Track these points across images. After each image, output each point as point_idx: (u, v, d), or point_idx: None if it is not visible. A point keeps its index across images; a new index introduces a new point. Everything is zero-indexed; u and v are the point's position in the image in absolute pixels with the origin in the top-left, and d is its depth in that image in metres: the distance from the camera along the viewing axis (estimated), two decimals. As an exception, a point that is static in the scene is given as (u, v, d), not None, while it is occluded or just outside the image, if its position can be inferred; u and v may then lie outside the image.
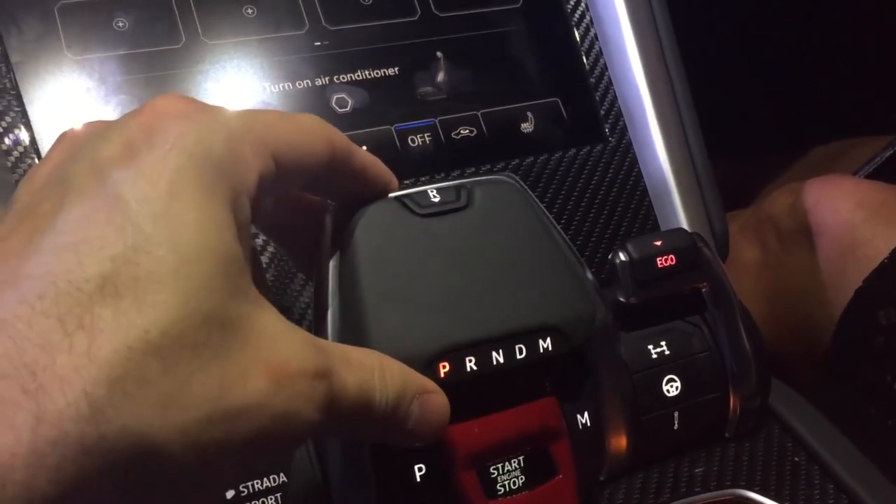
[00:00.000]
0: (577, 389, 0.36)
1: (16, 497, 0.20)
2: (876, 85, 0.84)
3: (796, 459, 0.41)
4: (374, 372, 0.28)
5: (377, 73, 0.43)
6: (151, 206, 0.23)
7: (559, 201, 0.44)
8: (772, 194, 0.59)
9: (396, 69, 0.43)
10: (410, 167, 0.42)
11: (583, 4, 0.48)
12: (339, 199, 0.33)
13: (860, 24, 0.85)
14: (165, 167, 0.24)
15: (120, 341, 0.21)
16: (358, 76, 0.43)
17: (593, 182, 0.45)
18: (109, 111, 0.39)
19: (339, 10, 0.43)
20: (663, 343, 0.39)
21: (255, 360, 0.24)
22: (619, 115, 0.46)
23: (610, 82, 0.47)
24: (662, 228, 0.45)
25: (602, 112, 0.46)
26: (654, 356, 0.39)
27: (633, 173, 0.46)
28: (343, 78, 0.43)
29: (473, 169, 0.43)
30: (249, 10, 0.42)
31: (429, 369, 0.31)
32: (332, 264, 0.33)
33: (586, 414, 0.36)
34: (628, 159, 0.46)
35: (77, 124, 0.37)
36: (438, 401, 0.30)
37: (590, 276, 0.35)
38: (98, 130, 0.26)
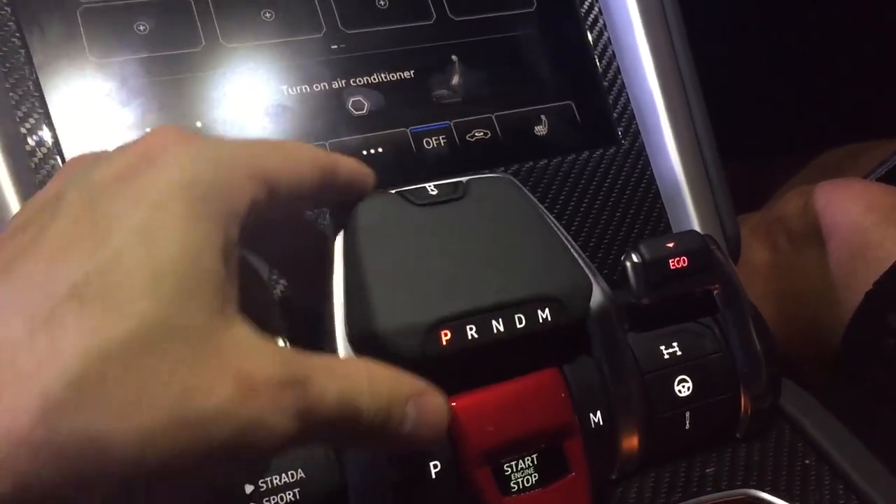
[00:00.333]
0: (589, 388, 0.36)
1: None
2: (876, 84, 0.84)
3: (807, 461, 0.41)
4: (360, 379, 0.28)
5: (393, 76, 0.44)
6: (131, 222, 0.24)
7: (572, 204, 0.44)
8: (783, 196, 0.60)
9: (412, 72, 0.44)
10: (425, 169, 0.43)
11: (596, 8, 0.48)
12: (331, 206, 0.34)
13: (860, 23, 0.85)
14: (153, 187, 0.25)
15: (82, 344, 0.22)
16: (374, 79, 0.43)
17: (606, 185, 0.45)
18: (130, 114, 0.39)
19: (355, 14, 0.44)
20: (675, 344, 0.40)
21: (222, 370, 0.24)
22: (632, 117, 0.47)
23: (623, 85, 0.47)
24: (674, 231, 0.46)
25: (615, 115, 0.47)
26: (666, 357, 0.39)
27: (646, 176, 0.46)
28: (359, 81, 0.43)
29: (487, 171, 0.43)
30: (268, 14, 0.43)
31: (430, 337, 0.32)
32: (336, 252, 0.35)
33: (599, 413, 0.36)
34: (641, 162, 0.46)
35: (99, 126, 0.38)
36: (435, 401, 0.30)
37: (587, 262, 0.37)
38: (96, 158, 0.27)
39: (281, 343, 0.33)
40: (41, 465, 0.21)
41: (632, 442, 0.37)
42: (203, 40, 0.41)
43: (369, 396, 0.27)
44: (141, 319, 0.23)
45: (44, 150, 0.38)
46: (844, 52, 0.87)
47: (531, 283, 0.35)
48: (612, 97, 0.47)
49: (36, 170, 0.37)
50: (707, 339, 0.40)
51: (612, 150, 0.46)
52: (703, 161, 0.47)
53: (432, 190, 0.36)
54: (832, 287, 0.50)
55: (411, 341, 0.33)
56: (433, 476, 0.33)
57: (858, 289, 0.47)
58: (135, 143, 0.27)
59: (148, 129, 0.39)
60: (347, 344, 0.34)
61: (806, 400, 0.44)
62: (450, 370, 0.34)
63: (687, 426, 0.39)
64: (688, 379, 0.39)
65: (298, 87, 0.42)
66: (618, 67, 0.47)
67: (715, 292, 0.41)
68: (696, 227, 0.45)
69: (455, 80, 0.45)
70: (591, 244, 0.44)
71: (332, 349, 0.34)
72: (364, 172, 0.34)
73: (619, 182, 0.45)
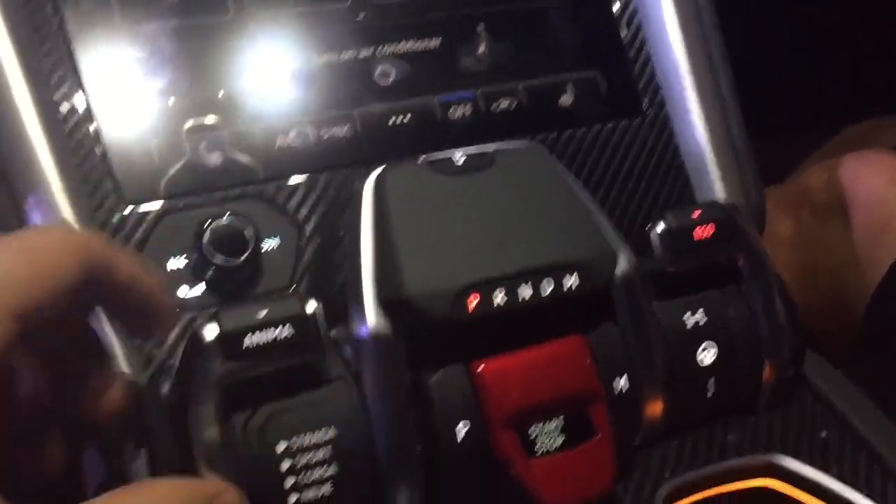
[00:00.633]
0: (614, 354, 0.37)
1: None
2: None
3: (829, 429, 0.41)
4: None
5: (419, 46, 0.44)
6: None
7: (596, 174, 0.45)
8: (806, 170, 0.60)
9: (438, 41, 0.44)
10: (450, 138, 0.43)
11: (622, -23, 0.48)
12: (109, 310, 0.31)
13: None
14: None
15: None
16: (400, 49, 0.43)
17: (630, 155, 0.45)
18: (159, 80, 0.40)
19: (382, -17, 0.44)
20: (700, 312, 0.40)
21: None
22: (658, 88, 0.47)
23: (649, 55, 0.47)
24: (699, 202, 0.46)
25: (640, 85, 0.47)
26: (691, 325, 0.40)
27: (671, 146, 0.46)
28: (386, 50, 0.43)
29: (513, 141, 0.43)
30: (295, -17, 0.43)
31: (458, 301, 0.33)
32: (365, 219, 0.35)
33: (623, 379, 0.36)
34: (666, 132, 0.46)
35: (129, 92, 0.39)
36: (232, 499, 0.29)
37: (613, 230, 0.37)
38: None
39: None
40: None
41: (655, 408, 0.38)
42: (231, 9, 0.42)
43: None
44: None
45: (76, 116, 0.38)
46: (867, 27, 0.86)
47: (558, 249, 0.35)
48: (637, 67, 0.47)
49: (69, 135, 0.38)
50: (732, 307, 0.41)
51: (637, 121, 0.46)
52: (729, 131, 0.47)
53: (460, 159, 0.37)
54: (856, 260, 0.50)
55: (440, 306, 0.34)
56: (460, 438, 0.34)
57: (882, 261, 0.47)
58: None
59: (172, 99, 0.39)
60: (376, 309, 0.34)
61: (829, 370, 0.44)
62: (477, 335, 0.35)
63: (710, 394, 0.40)
64: (712, 347, 0.40)
65: (324, 57, 0.42)
66: (644, 37, 0.47)
67: (740, 261, 0.41)
68: (721, 197, 0.45)
69: (481, 49, 0.45)
70: (615, 214, 0.44)
71: (360, 314, 0.34)
72: (156, 284, 0.31)
73: (644, 152, 0.46)
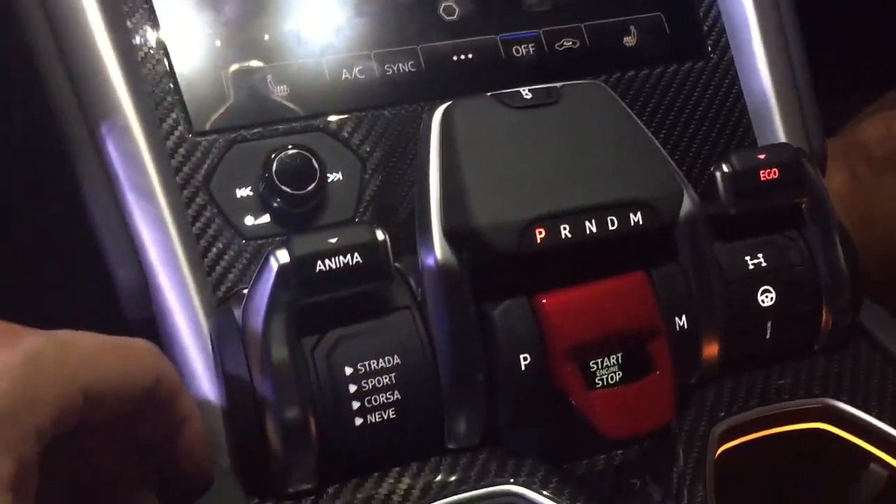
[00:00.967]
0: (675, 292, 0.37)
1: None
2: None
3: (884, 375, 0.41)
4: None
5: (485, -18, 0.44)
6: None
7: (658, 116, 0.44)
8: (862, 122, 0.59)
9: (503, -22, 0.44)
10: (513, 77, 0.43)
11: (689, -83, 0.47)
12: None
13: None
14: None
15: None
16: (465, -17, 0.43)
17: (693, 98, 0.45)
18: (230, 14, 0.40)
19: (448, -81, 0.44)
20: (760, 255, 0.40)
21: None
22: (722, 30, 0.46)
23: (714, -1, 0.46)
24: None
25: (705, 28, 0.46)
26: (751, 267, 0.40)
27: (734, 90, 0.46)
28: (450, -14, 0.43)
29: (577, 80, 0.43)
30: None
31: (525, 234, 0.33)
32: (433, 151, 0.36)
33: (684, 317, 0.37)
34: (729, 76, 0.46)
35: (202, 31, 0.39)
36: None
37: (677, 171, 0.37)
38: None
39: None
40: None
41: (713, 347, 0.38)
42: (298, -58, 0.42)
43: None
44: None
45: (148, 47, 0.39)
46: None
47: (624, 186, 0.36)
48: (702, 9, 0.46)
49: (142, 64, 0.38)
50: (792, 251, 0.41)
51: (700, 64, 0.46)
52: (794, 77, 0.46)
53: (527, 94, 0.37)
54: (914, 211, 0.49)
55: (507, 237, 0.34)
56: (522, 368, 0.35)
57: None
58: None
59: (242, 33, 0.39)
60: (443, 240, 0.35)
61: (886, 318, 0.44)
62: (541, 268, 0.35)
63: (767, 335, 0.40)
64: (771, 290, 0.40)
65: (391, -10, 0.42)
66: (710, -22, 0.47)
67: (803, 206, 0.41)
68: (783, 141, 0.45)
69: (546, -13, 0.44)
70: (676, 157, 0.44)
71: (427, 245, 0.35)
72: (206, 442, 0.32)
73: (707, 96, 0.45)
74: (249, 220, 0.38)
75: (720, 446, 0.38)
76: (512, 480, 0.35)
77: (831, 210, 0.41)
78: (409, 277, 0.36)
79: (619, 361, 0.35)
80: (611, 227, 0.35)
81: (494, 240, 0.34)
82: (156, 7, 0.39)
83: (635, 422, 0.35)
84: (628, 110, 0.38)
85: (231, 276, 0.37)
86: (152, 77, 0.38)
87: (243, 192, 0.38)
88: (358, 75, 0.41)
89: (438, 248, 0.35)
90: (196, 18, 0.39)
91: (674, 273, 0.37)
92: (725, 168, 0.39)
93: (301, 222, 0.38)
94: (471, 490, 0.35)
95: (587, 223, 0.34)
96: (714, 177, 0.40)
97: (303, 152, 0.38)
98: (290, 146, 0.38)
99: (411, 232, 0.36)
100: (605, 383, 0.35)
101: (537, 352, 0.35)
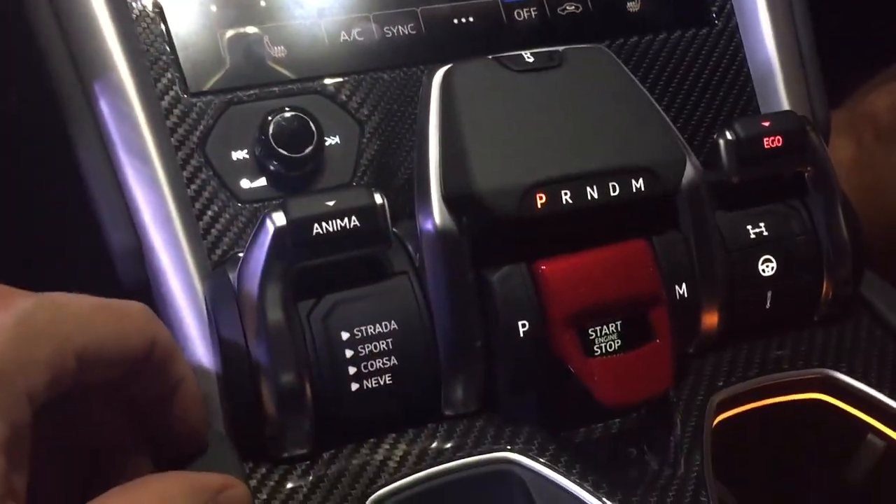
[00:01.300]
0: (676, 260, 0.37)
1: None
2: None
3: (884, 347, 0.41)
4: None
5: (487, -56, 0.43)
6: None
7: (661, 82, 0.44)
8: (869, 93, 0.58)
9: (505, -60, 0.43)
10: (515, 41, 0.42)
11: None
12: (135, 411, 0.30)
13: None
14: None
15: None
16: (467, -54, 0.42)
17: (697, 65, 0.44)
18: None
19: None
20: (762, 224, 0.40)
21: None
22: (727, -2, 0.45)
23: (719, -37, 0.46)
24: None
25: (710, -6, 0.45)
26: (753, 236, 0.39)
27: (738, 58, 0.45)
28: (452, -53, 0.42)
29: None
30: None
31: (525, 199, 0.33)
32: (432, 114, 0.35)
33: (685, 285, 0.36)
34: (733, 43, 0.45)
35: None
36: (238, 493, 0.29)
37: (679, 138, 0.37)
38: None
39: None
40: None
41: (713, 316, 0.38)
42: None
43: None
44: None
45: (145, 7, 0.38)
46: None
47: (626, 152, 0.35)
48: (707, -25, 0.46)
49: (137, 22, 0.38)
50: (794, 220, 0.40)
51: (704, 31, 0.45)
52: (799, 46, 0.46)
53: (529, 57, 0.36)
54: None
55: (507, 202, 0.33)
56: (521, 335, 0.34)
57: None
58: None
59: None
60: (442, 204, 0.34)
61: (887, 290, 0.44)
62: (541, 234, 0.35)
63: (767, 305, 0.40)
64: (772, 259, 0.39)
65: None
66: (716, -57, 0.46)
67: (806, 175, 0.40)
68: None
69: (549, -51, 0.43)
70: (678, 124, 0.43)
71: (426, 209, 0.34)
72: (201, 405, 0.31)
73: (711, 63, 0.45)
74: (245, 183, 0.38)
75: (718, 415, 0.38)
76: (509, 447, 0.35)
77: (834, 179, 0.40)
78: (406, 242, 0.36)
79: (619, 329, 0.35)
80: (612, 194, 0.34)
81: (494, 204, 0.33)
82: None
83: (633, 389, 0.35)
84: (631, 76, 0.37)
85: (226, 239, 0.37)
86: (147, 36, 0.38)
87: (239, 154, 0.38)
88: (357, 37, 0.40)
89: (437, 213, 0.34)
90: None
91: (675, 241, 0.37)
92: (729, 135, 0.39)
93: (298, 186, 0.38)
94: (467, 457, 0.35)
95: (588, 189, 0.34)
96: (717, 144, 0.39)
97: (300, 115, 0.37)
98: (286, 108, 0.37)
99: (410, 196, 0.36)
100: (603, 351, 0.35)
101: (536, 318, 0.34)
